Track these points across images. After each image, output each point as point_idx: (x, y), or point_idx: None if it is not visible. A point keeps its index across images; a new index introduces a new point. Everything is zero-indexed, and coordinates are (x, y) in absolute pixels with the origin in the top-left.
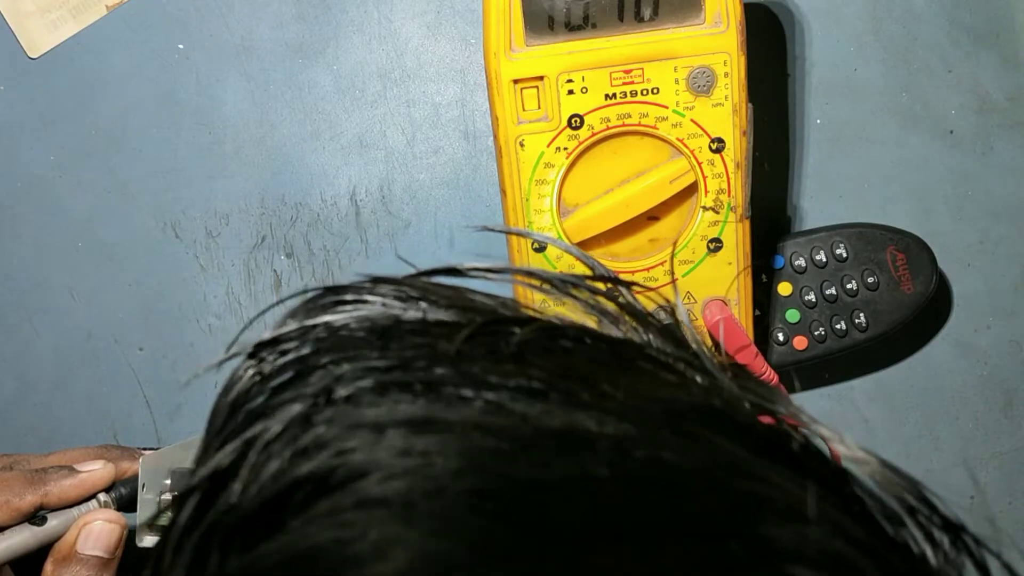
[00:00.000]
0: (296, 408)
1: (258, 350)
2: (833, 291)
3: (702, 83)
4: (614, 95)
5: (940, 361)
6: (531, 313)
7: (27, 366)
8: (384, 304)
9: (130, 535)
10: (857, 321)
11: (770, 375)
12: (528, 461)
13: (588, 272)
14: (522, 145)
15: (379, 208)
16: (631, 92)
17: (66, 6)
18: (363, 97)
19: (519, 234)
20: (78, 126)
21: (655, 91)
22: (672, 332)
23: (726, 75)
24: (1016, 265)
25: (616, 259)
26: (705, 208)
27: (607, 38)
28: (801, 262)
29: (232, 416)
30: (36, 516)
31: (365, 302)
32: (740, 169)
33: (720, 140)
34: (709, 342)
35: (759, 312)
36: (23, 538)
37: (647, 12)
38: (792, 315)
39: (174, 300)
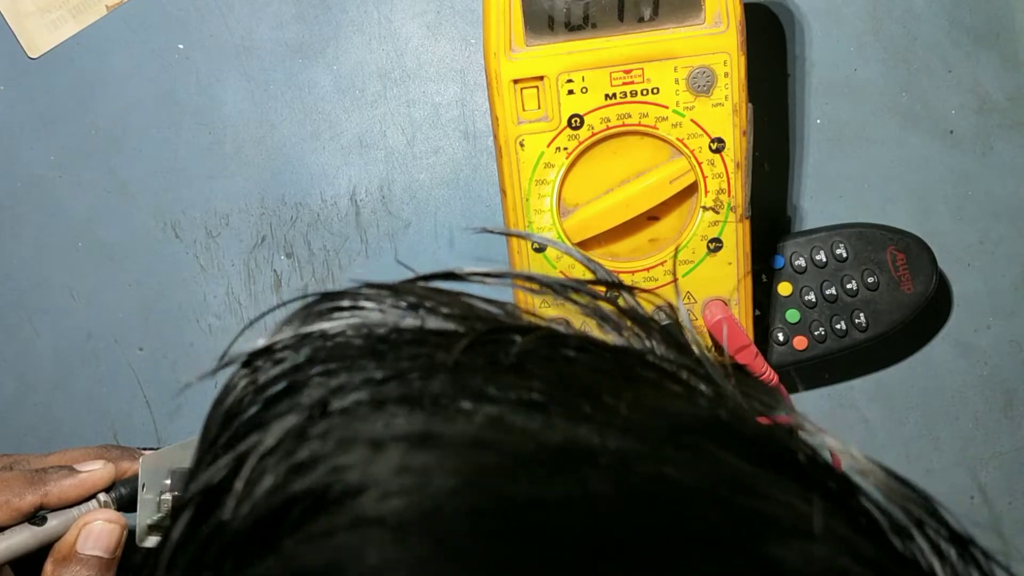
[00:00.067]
0: (291, 420)
1: (252, 359)
2: (833, 291)
3: (702, 83)
4: (614, 95)
5: (940, 361)
6: (532, 320)
7: (27, 366)
8: (381, 311)
9: (130, 535)
10: (857, 321)
11: (770, 375)
12: (528, 478)
13: (587, 272)
14: (522, 145)
15: (379, 208)
16: (631, 92)
17: (66, 6)
18: (363, 97)
19: (519, 236)
20: (78, 126)
21: (655, 91)
22: (674, 337)
23: (726, 75)
24: (1016, 265)
25: (616, 259)
26: (705, 208)
27: (607, 38)
28: (801, 262)
29: (226, 427)
30: (36, 516)
31: (362, 308)
32: (740, 169)
33: (720, 140)
34: (709, 342)
35: (759, 312)
36: (23, 538)
37: (647, 12)
38: (792, 315)
39: (174, 300)
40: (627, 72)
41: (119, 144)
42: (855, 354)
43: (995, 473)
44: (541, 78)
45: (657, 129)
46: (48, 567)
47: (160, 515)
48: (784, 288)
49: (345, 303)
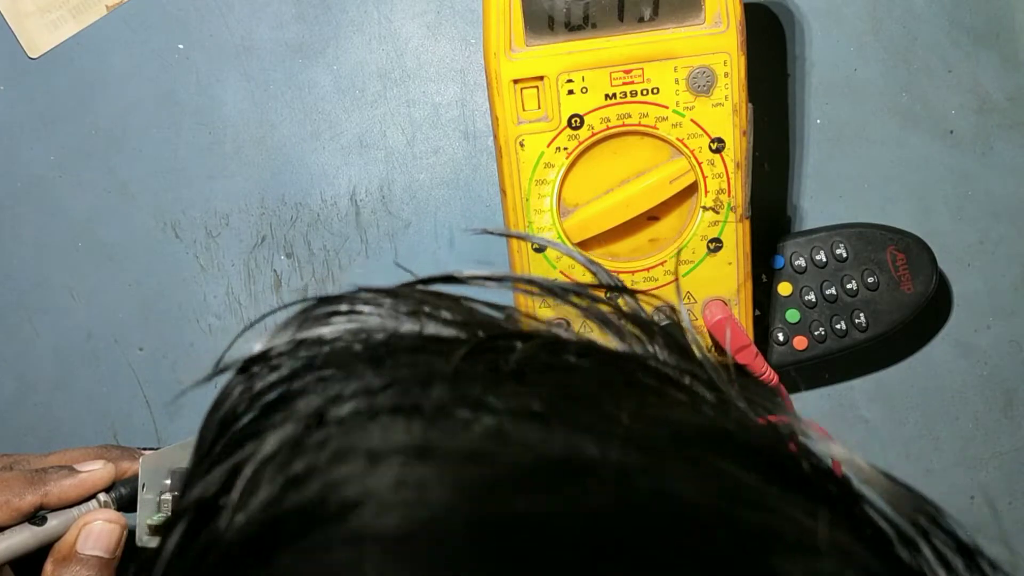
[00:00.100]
0: (287, 430)
1: (248, 365)
2: (833, 291)
3: (702, 83)
4: (614, 95)
5: (940, 361)
6: (533, 325)
7: (27, 366)
8: (380, 316)
9: (130, 535)
10: (857, 321)
11: (770, 375)
12: (528, 492)
13: (587, 272)
14: (522, 145)
15: (379, 208)
16: (631, 92)
17: (66, 6)
18: (363, 97)
19: (519, 237)
20: (78, 126)
21: (655, 91)
22: (676, 339)
23: (726, 75)
24: (1016, 265)
25: (616, 259)
26: (705, 208)
27: (607, 38)
28: (801, 262)
29: (221, 434)
30: (36, 516)
31: (360, 313)
32: (740, 169)
33: (720, 140)
34: (709, 342)
35: (759, 312)
36: (23, 538)
37: (647, 12)
38: (792, 315)
39: (174, 300)
40: (627, 72)
41: (119, 144)
42: (855, 354)
43: (995, 473)
44: (541, 78)
45: (657, 129)
46: (48, 567)
47: (160, 515)
48: (784, 288)
49: (343, 308)
